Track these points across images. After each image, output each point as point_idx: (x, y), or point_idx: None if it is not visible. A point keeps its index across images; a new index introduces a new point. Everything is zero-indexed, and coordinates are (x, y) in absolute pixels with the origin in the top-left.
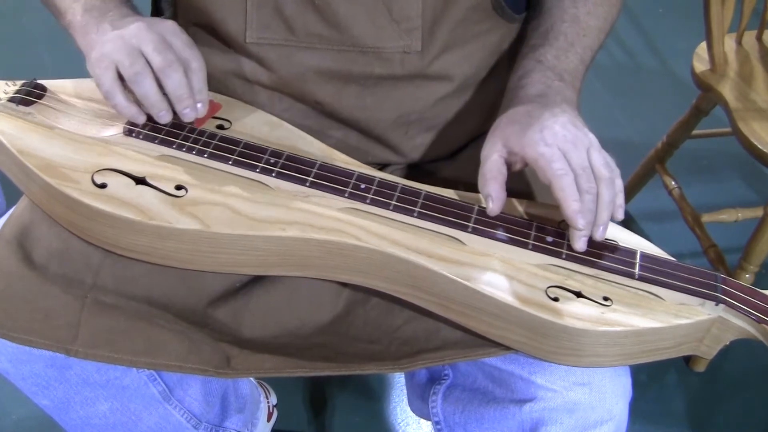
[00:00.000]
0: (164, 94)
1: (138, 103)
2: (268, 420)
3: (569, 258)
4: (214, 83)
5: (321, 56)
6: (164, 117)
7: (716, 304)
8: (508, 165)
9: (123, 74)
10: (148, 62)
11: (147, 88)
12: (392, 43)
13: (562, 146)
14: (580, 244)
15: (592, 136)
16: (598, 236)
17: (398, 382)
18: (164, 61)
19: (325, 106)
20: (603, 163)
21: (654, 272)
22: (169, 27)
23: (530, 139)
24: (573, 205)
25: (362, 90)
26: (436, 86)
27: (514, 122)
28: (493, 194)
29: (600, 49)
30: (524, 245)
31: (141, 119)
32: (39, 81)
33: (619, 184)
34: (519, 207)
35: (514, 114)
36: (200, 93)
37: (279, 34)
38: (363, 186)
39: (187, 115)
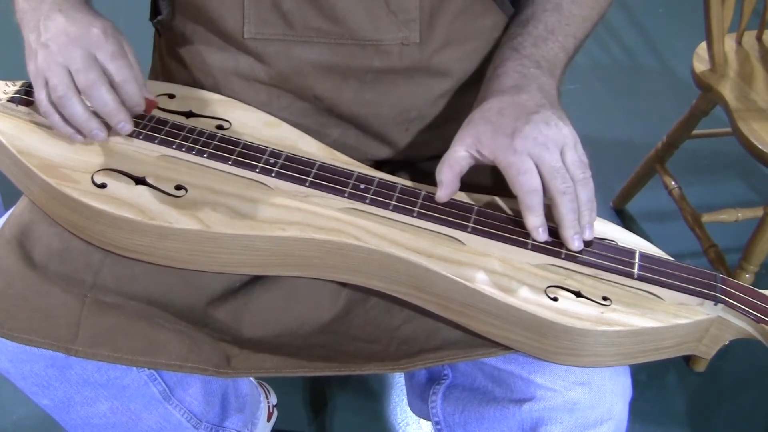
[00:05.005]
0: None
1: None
2: (268, 420)
3: (568, 258)
4: (213, 82)
5: (319, 50)
6: (98, 135)
7: (715, 304)
8: (478, 162)
9: (51, 96)
10: (74, 81)
11: (72, 111)
12: (390, 35)
13: (533, 151)
14: (576, 243)
15: (566, 131)
16: (586, 237)
17: (398, 382)
18: (86, 80)
19: (324, 101)
20: (578, 163)
21: (653, 272)
22: (94, 37)
23: (500, 143)
24: (534, 221)
25: (361, 85)
26: (436, 82)
27: (487, 120)
28: (444, 180)
29: (587, 38)
30: (523, 245)
31: (77, 138)
32: None
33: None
34: (518, 207)
35: (487, 110)
36: (131, 101)
37: (277, 29)
38: (362, 186)
39: (123, 129)
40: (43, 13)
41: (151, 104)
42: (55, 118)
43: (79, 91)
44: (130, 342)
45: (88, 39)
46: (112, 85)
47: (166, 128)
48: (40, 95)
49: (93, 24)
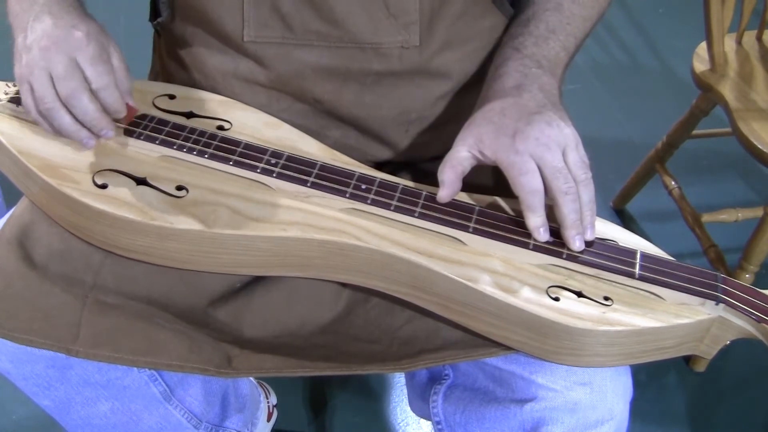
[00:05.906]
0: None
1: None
2: (268, 420)
3: (570, 258)
4: (212, 83)
5: (319, 53)
6: (88, 143)
7: (716, 304)
8: (480, 162)
9: (38, 107)
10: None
11: (60, 122)
12: (390, 38)
13: (534, 151)
14: (577, 244)
15: (568, 131)
16: (587, 237)
17: (398, 382)
18: (66, 89)
19: (324, 104)
20: (579, 163)
21: (654, 272)
22: (76, 40)
23: (502, 144)
24: (535, 221)
25: (361, 88)
26: (436, 84)
27: (489, 121)
28: (446, 180)
29: (587, 37)
30: (525, 245)
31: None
32: None
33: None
34: (519, 207)
35: (489, 111)
36: (110, 108)
37: (276, 32)
38: (364, 186)
39: (105, 136)
40: (34, 14)
41: (131, 112)
42: (46, 127)
43: None
44: (130, 342)
45: (70, 42)
46: (92, 91)
47: (167, 129)
48: (27, 100)
49: (77, 27)
